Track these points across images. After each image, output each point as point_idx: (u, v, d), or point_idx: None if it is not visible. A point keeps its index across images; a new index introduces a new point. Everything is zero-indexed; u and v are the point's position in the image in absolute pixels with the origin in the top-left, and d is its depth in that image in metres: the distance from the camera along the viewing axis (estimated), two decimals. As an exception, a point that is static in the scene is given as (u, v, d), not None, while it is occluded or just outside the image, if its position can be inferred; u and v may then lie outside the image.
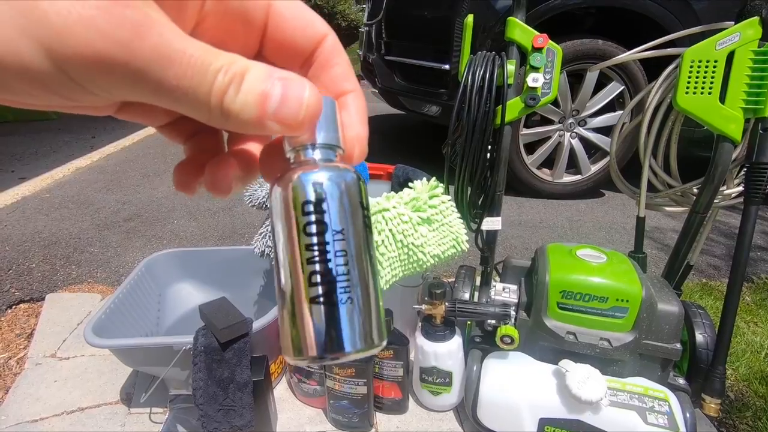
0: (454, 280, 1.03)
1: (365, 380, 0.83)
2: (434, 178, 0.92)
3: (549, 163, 2.19)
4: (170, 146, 2.87)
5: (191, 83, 0.15)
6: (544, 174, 2.20)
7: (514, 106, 0.85)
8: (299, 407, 0.95)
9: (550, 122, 2.11)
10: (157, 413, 0.93)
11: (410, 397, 0.94)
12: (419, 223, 0.83)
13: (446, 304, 0.86)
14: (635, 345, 0.77)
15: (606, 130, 2.12)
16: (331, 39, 0.19)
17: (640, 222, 0.94)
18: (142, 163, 2.49)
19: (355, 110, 0.20)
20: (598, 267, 0.80)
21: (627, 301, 0.76)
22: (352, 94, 0.20)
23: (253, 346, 0.79)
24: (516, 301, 0.90)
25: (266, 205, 0.88)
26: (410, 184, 0.93)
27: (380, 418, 0.91)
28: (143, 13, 0.14)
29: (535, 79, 0.83)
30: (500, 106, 0.84)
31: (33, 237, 1.59)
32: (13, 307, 1.30)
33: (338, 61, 0.19)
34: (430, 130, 3.44)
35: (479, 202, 0.96)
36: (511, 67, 0.84)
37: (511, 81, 0.84)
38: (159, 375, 0.85)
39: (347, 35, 6.99)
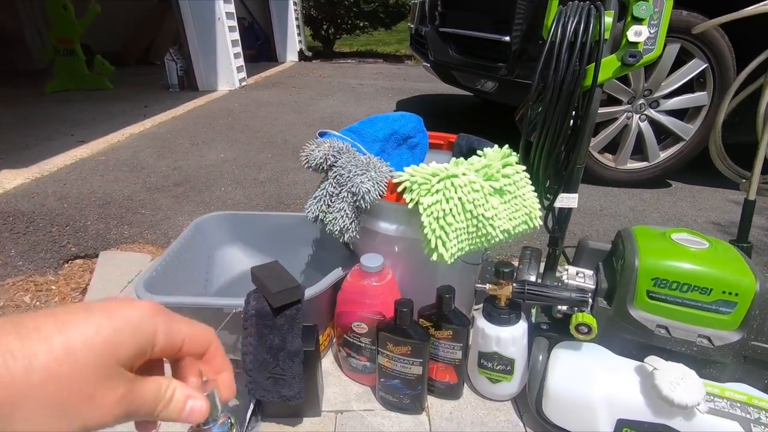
0: (517, 261, 0.95)
1: (421, 360, 0.76)
2: (506, 145, 0.83)
3: (612, 147, 2.02)
4: (218, 117, 2.89)
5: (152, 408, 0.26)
6: (607, 159, 2.03)
7: (608, 65, 0.74)
8: (346, 383, 0.90)
9: (618, 102, 1.93)
10: (203, 376, 0.91)
11: (464, 383, 0.87)
12: (491, 193, 0.75)
13: (514, 285, 0.78)
14: (741, 346, 0.67)
15: (680, 114, 1.92)
16: (215, 343, 0.32)
17: (749, 206, 0.81)
18: (191, 132, 2.52)
19: (227, 378, 0.32)
20: (699, 253, 0.69)
21: (736, 294, 0.65)
22: (226, 371, 0.33)
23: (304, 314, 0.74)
24: (593, 287, 0.80)
25: (323, 167, 0.82)
26: (479, 152, 0.84)
27: (432, 402, 0.85)
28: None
29: (637, 33, 0.71)
30: (592, 64, 0.73)
31: (89, 196, 1.63)
32: (70, 262, 1.34)
33: (218, 354, 0.32)
34: (476, 112, 3.29)
35: (556, 176, 0.86)
36: (608, 18, 0.73)
37: (607, 35, 0.73)
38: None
39: (394, 13, 6.82)
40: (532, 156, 0.82)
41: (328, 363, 0.95)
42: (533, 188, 0.81)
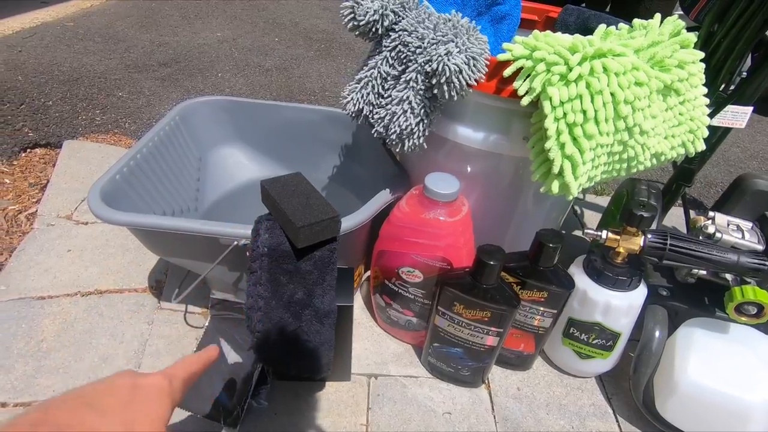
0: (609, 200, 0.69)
1: (500, 330, 0.54)
2: (676, 16, 0.51)
3: None
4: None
5: None
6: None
7: None
8: (380, 337, 0.70)
9: None
10: (195, 314, 0.70)
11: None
12: (658, 90, 0.46)
13: (650, 236, 0.53)
14: None
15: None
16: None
17: None
18: (181, 2, 2.07)
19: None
20: None
21: None
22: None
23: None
24: (762, 247, 0.55)
25: (376, 28, 0.51)
26: (619, 25, 0.53)
27: (494, 373, 0.65)
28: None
29: None
30: None
31: (51, 69, 1.29)
32: (28, 150, 1.06)
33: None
34: None
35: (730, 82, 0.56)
36: None
37: None
38: (196, 271, 0.59)
39: None
40: (714, 44, 0.51)
41: (356, 309, 0.73)
42: (705, 92, 0.51)
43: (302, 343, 0.49)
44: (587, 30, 0.65)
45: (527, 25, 0.74)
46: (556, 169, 0.44)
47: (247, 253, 0.48)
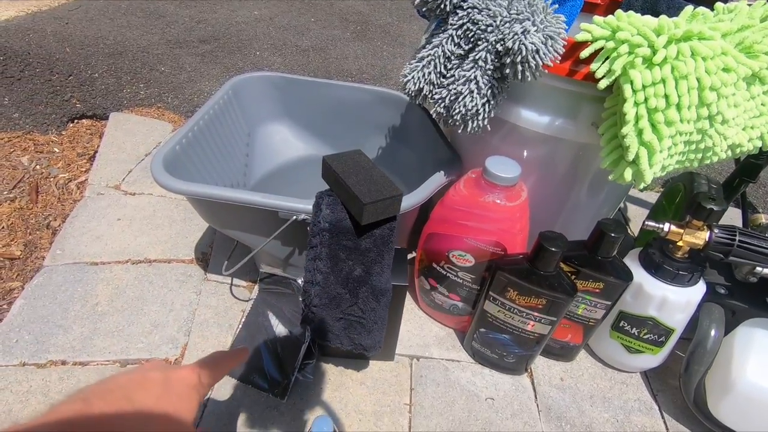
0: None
1: (553, 319, 0.53)
2: (764, 1, 0.49)
3: None
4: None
5: None
6: None
7: None
8: (422, 320, 0.70)
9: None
10: (240, 287, 0.71)
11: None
12: (745, 78, 0.44)
13: (716, 231, 0.51)
14: None
15: None
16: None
17: None
18: (218, -20, 2.06)
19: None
20: None
21: None
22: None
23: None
24: (836, 249, 0.52)
25: (444, 4, 0.50)
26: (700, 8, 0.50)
27: (538, 362, 0.65)
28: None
29: None
30: None
31: (96, 42, 1.31)
32: (75, 121, 1.09)
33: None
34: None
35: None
36: None
37: None
38: (249, 245, 0.60)
39: None
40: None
41: (397, 290, 0.73)
42: (789, 81, 0.49)
43: (358, 319, 0.50)
44: (655, 15, 0.62)
45: (589, 9, 0.71)
46: (630, 156, 0.43)
47: (308, 228, 0.48)
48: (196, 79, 1.26)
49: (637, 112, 0.42)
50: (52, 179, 0.93)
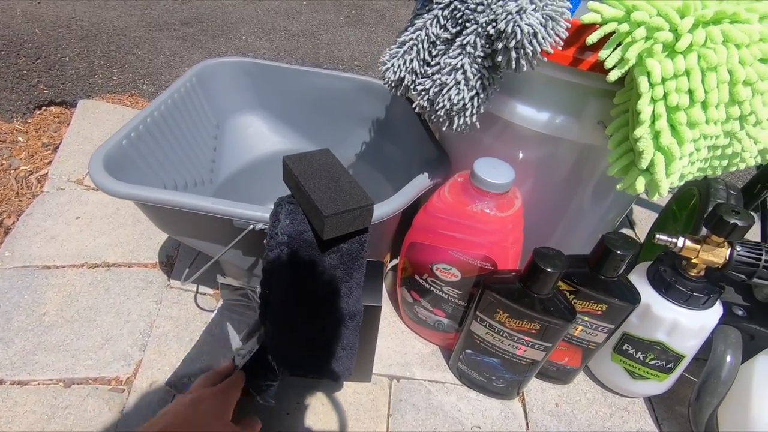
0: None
1: (548, 345, 0.47)
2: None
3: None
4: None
5: None
6: None
7: None
8: (404, 335, 0.63)
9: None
10: (206, 296, 0.65)
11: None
12: (784, 70, 0.36)
13: (739, 248, 0.44)
14: None
15: None
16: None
17: None
18: (207, -40, 1.96)
19: None
20: None
21: None
22: None
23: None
24: None
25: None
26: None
27: (530, 386, 0.59)
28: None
29: None
30: None
31: (69, 23, 1.23)
32: (43, 108, 1.01)
33: None
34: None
35: None
36: None
37: None
38: (208, 253, 0.54)
39: None
40: None
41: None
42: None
43: (321, 345, 0.43)
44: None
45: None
46: (644, 164, 0.36)
47: (264, 241, 0.41)
48: (175, 64, 1.18)
49: (654, 111, 0.34)
50: (12, 171, 0.86)
